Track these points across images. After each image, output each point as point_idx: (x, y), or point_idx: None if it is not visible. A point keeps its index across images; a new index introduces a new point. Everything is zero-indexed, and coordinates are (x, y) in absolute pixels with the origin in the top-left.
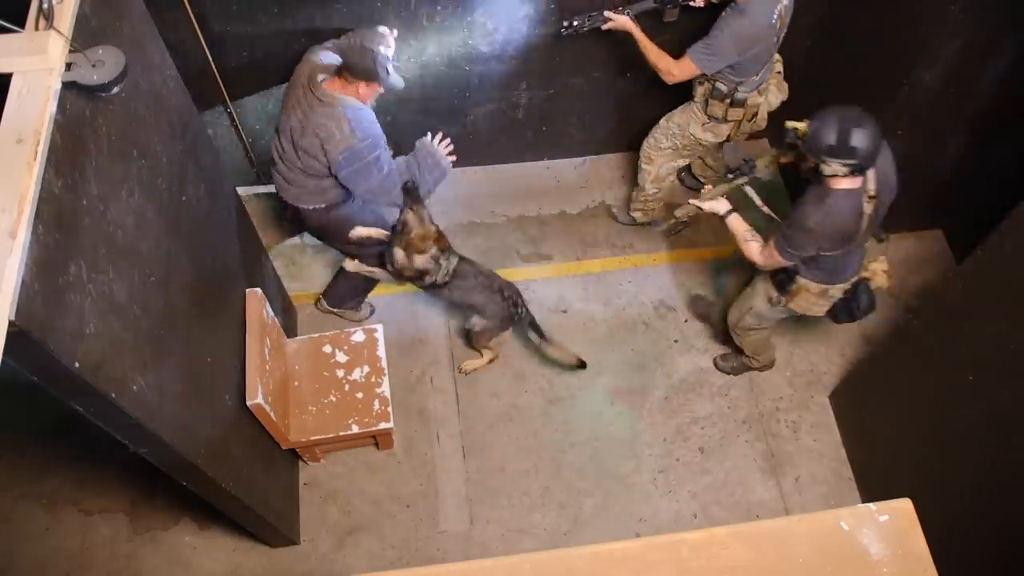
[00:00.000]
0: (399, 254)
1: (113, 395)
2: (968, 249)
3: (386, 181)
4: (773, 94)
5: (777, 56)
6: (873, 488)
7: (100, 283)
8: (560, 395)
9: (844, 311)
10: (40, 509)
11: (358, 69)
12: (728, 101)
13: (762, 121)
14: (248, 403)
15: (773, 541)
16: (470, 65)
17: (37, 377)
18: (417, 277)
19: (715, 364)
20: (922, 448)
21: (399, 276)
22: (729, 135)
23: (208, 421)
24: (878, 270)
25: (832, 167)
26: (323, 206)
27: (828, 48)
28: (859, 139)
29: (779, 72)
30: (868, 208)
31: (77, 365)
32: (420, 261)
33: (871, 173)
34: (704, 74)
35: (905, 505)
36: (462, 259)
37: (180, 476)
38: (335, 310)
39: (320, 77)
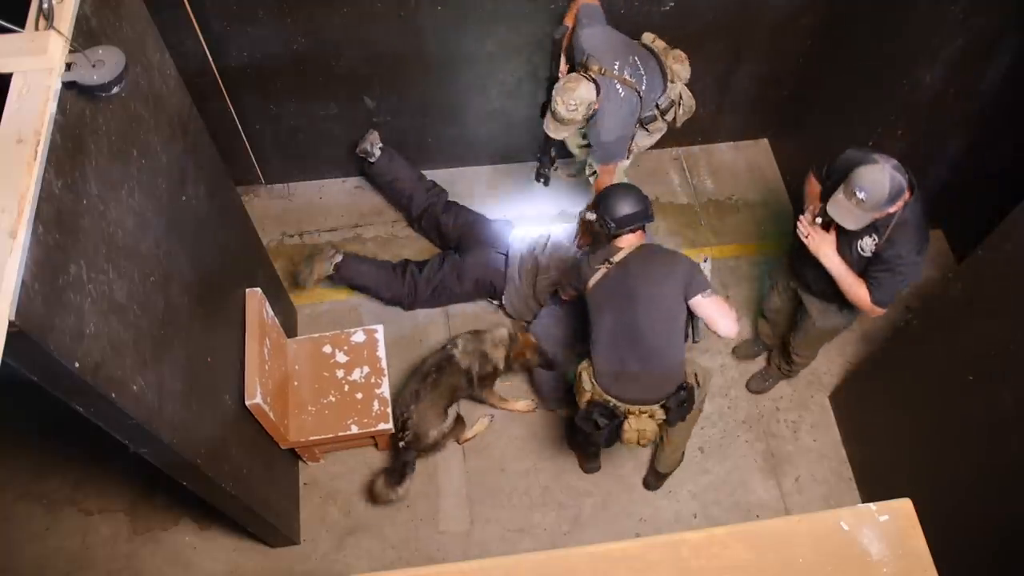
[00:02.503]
0: (504, 330)
1: (113, 395)
2: (968, 249)
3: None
4: (680, 71)
5: (649, 36)
6: (873, 488)
7: (100, 283)
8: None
9: (586, 419)
10: (40, 509)
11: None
12: (658, 115)
13: (689, 100)
14: (247, 403)
15: (773, 541)
16: (470, 65)
17: (37, 377)
18: (480, 353)
19: None
20: (922, 448)
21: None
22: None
23: (208, 421)
24: (634, 426)
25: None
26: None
27: (828, 48)
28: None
29: (665, 48)
30: (604, 268)
31: (77, 365)
32: (493, 347)
33: (624, 251)
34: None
35: (905, 505)
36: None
37: (180, 476)
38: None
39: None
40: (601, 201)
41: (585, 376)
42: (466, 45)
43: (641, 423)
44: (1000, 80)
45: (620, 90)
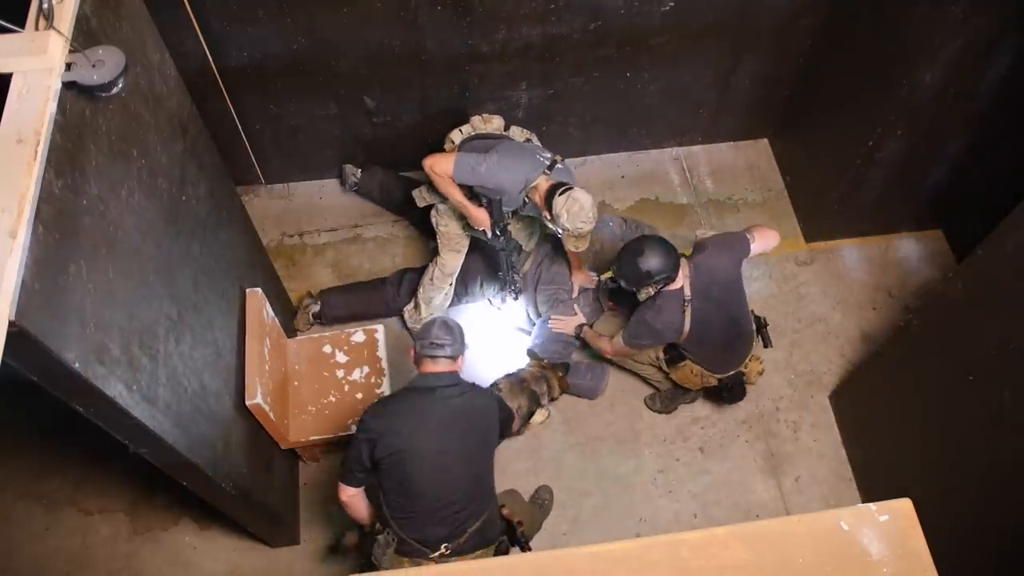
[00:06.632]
0: (538, 368)
1: (113, 395)
2: (968, 249)
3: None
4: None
5: (523, 134)
6: (873, 488)
7: (100, 283)
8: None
9: (716, 393)
10: (40, 509)
11: None
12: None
13: None
14: (247, 403)
15: (773, 541)
16: (470, 65)
17: (37, 377)
18: (530, 393)
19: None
20: (922, 448)
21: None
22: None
23: (208, 421)
24: (753, 368)
25: (644, 291)
26: None
27: (828, 49)
28: (648, 264)
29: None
30: (687, 309)
31: (77, 365)
32: (536, 383)
33: (685, 283)
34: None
35: (905, 505)
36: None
37: (180, 476)
38: None
39: None
40: (640, 268)
41: (695, 368)
42: (466, 45)
43: (753, 366)
44: (1000, 80)
45: (565, 167)
